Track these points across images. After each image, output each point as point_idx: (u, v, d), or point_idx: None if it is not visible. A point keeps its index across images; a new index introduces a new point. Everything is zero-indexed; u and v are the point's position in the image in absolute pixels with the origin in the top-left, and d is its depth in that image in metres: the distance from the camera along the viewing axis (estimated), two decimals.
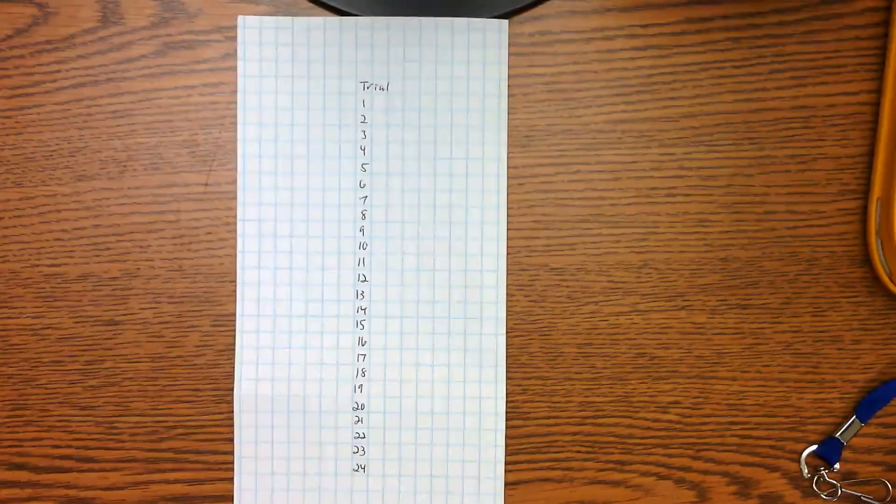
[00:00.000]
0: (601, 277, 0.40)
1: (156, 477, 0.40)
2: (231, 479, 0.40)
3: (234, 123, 0.39)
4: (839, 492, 0.40)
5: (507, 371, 0.40)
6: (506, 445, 0.40)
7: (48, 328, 0.40)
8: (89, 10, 0.39)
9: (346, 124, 0.39)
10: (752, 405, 0.40)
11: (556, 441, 0.40)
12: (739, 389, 0.40)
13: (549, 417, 0.40)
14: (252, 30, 0.39)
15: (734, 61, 0.39)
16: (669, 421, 0.40)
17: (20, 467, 0.40)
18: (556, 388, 0.40)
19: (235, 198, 0.39)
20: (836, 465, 0.40)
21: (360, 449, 0.40)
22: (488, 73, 0.39)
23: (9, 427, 0.40)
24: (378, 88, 0.39)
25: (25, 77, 0.39)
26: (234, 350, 0.39)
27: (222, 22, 0.39)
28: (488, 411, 0.40)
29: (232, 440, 0.40)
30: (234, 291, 0.39)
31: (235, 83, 0.39)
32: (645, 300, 0.40)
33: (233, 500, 0.40)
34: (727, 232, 0.40)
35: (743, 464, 0.40)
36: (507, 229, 0.39)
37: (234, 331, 0.39)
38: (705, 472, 0.40)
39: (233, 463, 0.40)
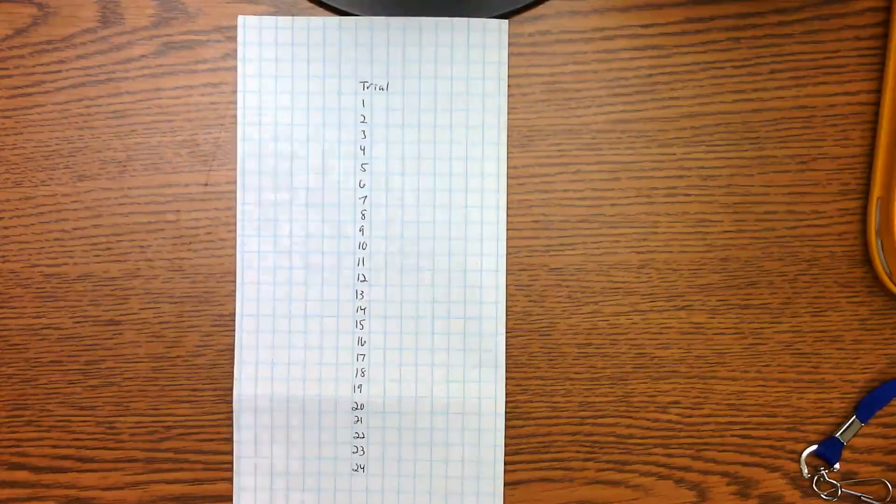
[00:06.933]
0: (601, 277, 0.40)
1: (156, 477, 0.40)
2: (231, 479, 0.40)
3: (234, 123, 0.39)
4: (839, 492, 0.40)
5: (507, 371, 0.40)
6: (506, 445, 0.40)
7: (48, 328, 0.40)
8: (89, 10, 0.39)
9: (346, 124, 0.39)
10: (752, 405, 0.40)
11: (556, 441, 0.40)
12: (739, 389, 0.40)
13: (549, 417, 0.40)
14: (252, 30, 0.39)
15: (734, 61, 0.39)
16: (669, 421, 0.40)
17: (20, 467, 0.40)
18: (556, 388, 0.40)
19: (235, 198, 0.39)
20: (836, 465, 0.40)
21: (360, 449, 0.40)
22: (488, 73, 0.39)
23: (9, 427, 0.40)
24: (378, 88, 0.39)
25: (25, 77, 0.39)
26: (233, 350, 0.39)
27: (222, 22, 0.39)
28: (488, 411, 0.40)
29: (232, 440, 0.40)
30: (234, 291, 0.39)
31: (235, 83, 0.39)
32: (645, 300, 0.40)
33: (232, 500, 0.40)
34: (727, 232, 0.40)
35: (743, 464, 0.40)
36: (507, 229, 0.39)
37: (234, 331, 0.39)
38: (705, 472, 0.40)
39: (232, 463, 0.40)
